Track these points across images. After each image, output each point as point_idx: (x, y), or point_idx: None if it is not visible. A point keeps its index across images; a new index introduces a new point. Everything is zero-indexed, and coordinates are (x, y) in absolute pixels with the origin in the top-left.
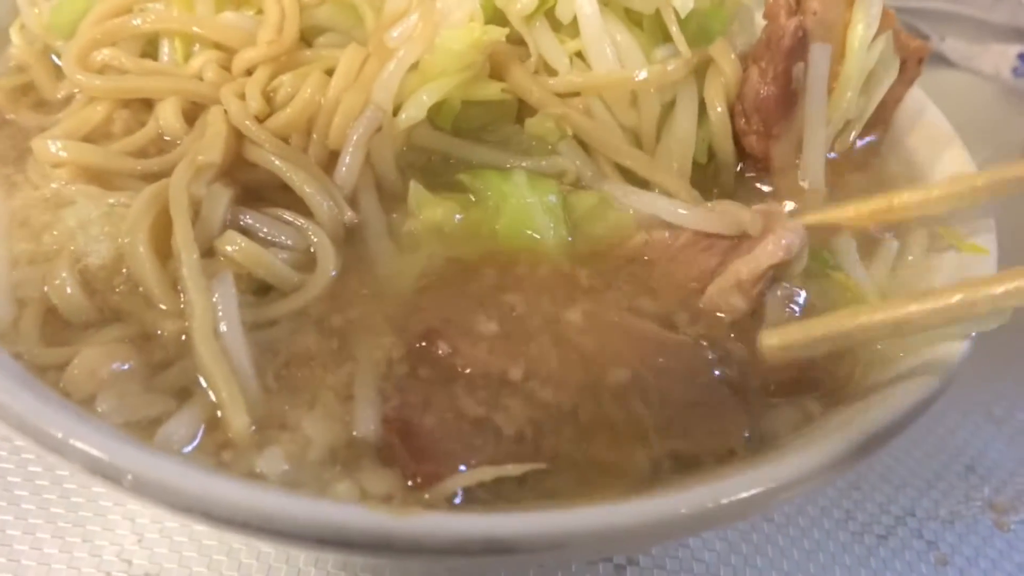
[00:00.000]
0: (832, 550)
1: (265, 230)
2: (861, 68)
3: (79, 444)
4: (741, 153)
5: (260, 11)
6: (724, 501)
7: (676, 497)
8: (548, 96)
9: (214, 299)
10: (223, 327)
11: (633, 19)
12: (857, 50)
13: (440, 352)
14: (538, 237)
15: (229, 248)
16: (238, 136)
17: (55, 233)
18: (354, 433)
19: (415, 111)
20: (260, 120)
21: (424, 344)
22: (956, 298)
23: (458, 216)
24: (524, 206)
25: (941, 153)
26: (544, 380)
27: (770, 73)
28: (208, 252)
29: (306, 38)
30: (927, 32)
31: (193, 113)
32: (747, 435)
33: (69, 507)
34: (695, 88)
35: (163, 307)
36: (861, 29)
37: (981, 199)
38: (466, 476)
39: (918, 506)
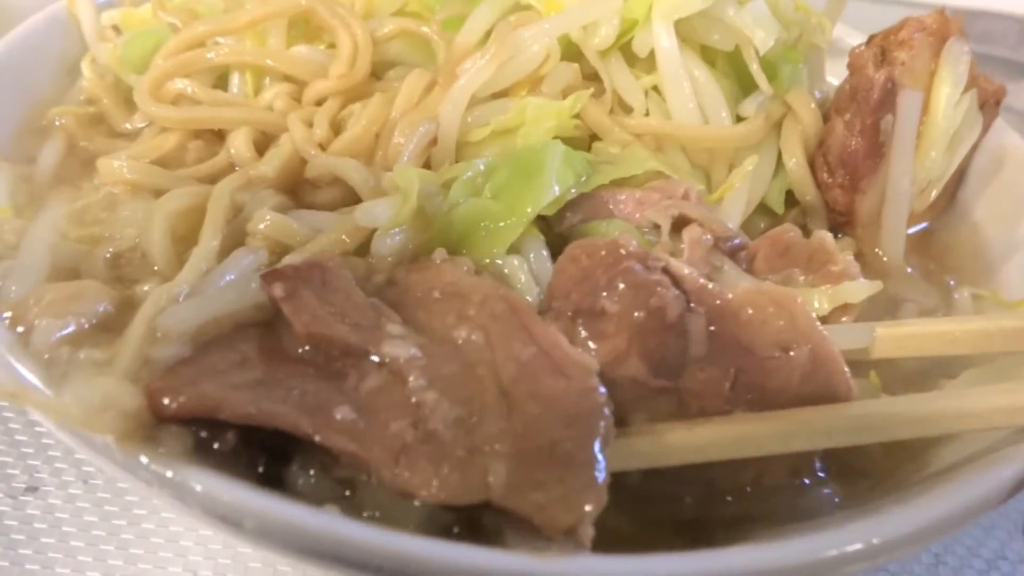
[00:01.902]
0: None
1: (315, 219)
2: (947, 127)
3: (197, 487)
4: (825, 202)
5: (331, 44)
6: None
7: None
8: (625, 135)
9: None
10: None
11: (707, 58)
12: (944, 109)
13: (275, 293)
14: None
15: (261, 226)
16: (303, 161)
17: (104, 223)
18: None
19: None
20: (325, 145)
21: (268, 278)
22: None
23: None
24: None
25: None
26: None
27: (857, 126)
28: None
29: (376, 72)
30: None
31: (264, 144)
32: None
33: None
34: (775, 142)
35: (156, 268)
36: (948, 88)
37: None
38: (181, 406)
39: (1008, 549)
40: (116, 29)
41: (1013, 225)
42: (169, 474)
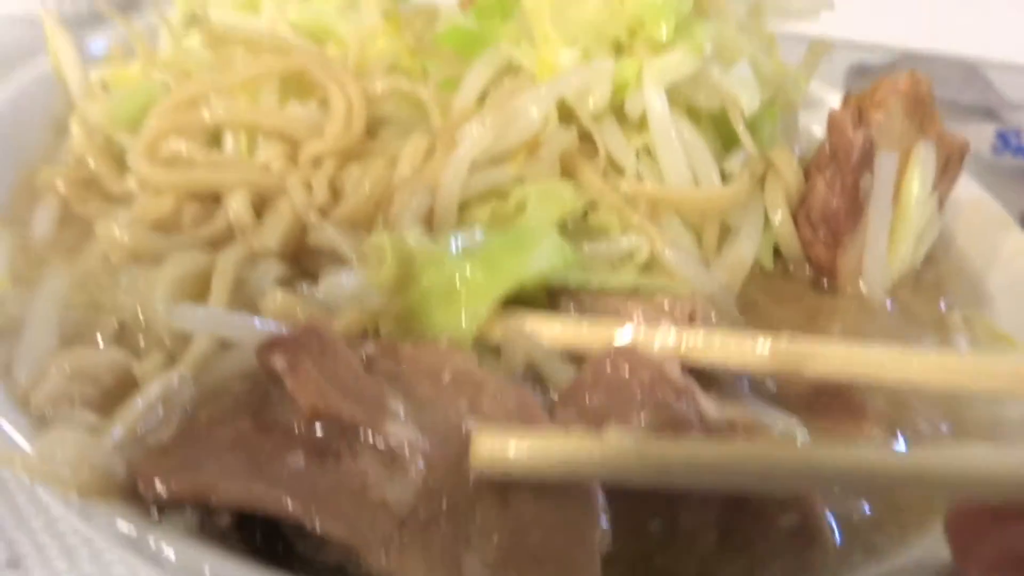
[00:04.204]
0: None
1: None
2: (916, 223)
3: None
4: (807, 259)
5: (323, 101)
6: None
7: None
8: (620, 201)
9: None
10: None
11: (691, 116)
12: (913, 206)
13: (277, 366)
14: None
15: (271, 303)
16: (304, 227)
17: (105, 290)
18: None
19: None
20: (326, 210)
21: (265, 350)
22: None
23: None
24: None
25: (999, 242)
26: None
27: (838, 185)
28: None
29: (370, 129)
30: None
31: (261, 203)
32: None
33: None
34: (760, 199)
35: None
36: (917, 188)
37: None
38: (172, 492)
39: None
40: (104, 87)
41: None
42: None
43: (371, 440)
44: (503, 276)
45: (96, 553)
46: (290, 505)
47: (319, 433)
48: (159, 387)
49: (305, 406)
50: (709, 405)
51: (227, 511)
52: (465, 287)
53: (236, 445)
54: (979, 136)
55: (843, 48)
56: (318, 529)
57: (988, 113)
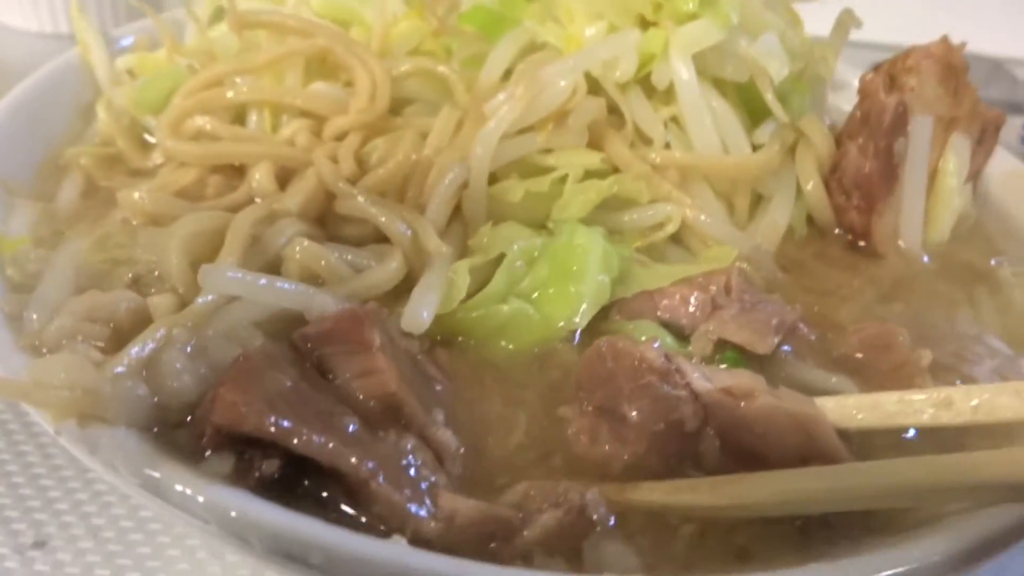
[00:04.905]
0: None
1: (348, 257)
2: (951, 212)
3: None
4: (840, 226)
5: (348, 83)
6: None
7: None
8: (648, 170)
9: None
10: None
11: (718, 89)
12: (947, 196)
13: (373, 340)
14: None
15: (296, 250)
16: (328, 195)
17: (123, 248)
18: None
19: None
20: (352, 182)
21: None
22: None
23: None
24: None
25: None
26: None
27: (871, 149)
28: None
29: (393, 108)
30: None
31: (285, 178)
32: None
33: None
34: (792, 168)
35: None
36: (953, 179)
37: None
38: (253, 425)
39: None
40: (131, 73)
41: None
42: (233, 514)
43: (417, 433)
44: (555, 321)
45: (121, 531)
46: (359, 466)
47: (374, 409)
48: (168, 323)
49: (385, 388)
50: (699, 378)
51: (277, 459)
52: (517, 326)
53: (296, 395)
54: (1006, 130)
55: (863, 48)
56: (377, 491)
57: (1014, 107)
